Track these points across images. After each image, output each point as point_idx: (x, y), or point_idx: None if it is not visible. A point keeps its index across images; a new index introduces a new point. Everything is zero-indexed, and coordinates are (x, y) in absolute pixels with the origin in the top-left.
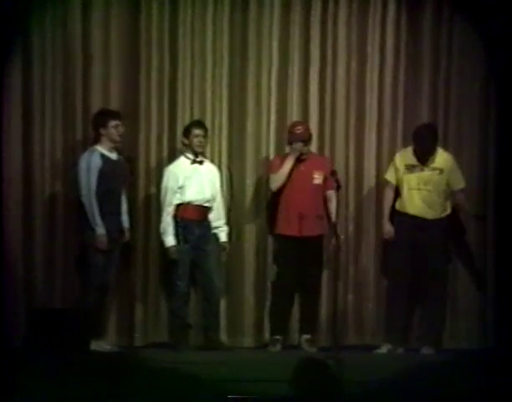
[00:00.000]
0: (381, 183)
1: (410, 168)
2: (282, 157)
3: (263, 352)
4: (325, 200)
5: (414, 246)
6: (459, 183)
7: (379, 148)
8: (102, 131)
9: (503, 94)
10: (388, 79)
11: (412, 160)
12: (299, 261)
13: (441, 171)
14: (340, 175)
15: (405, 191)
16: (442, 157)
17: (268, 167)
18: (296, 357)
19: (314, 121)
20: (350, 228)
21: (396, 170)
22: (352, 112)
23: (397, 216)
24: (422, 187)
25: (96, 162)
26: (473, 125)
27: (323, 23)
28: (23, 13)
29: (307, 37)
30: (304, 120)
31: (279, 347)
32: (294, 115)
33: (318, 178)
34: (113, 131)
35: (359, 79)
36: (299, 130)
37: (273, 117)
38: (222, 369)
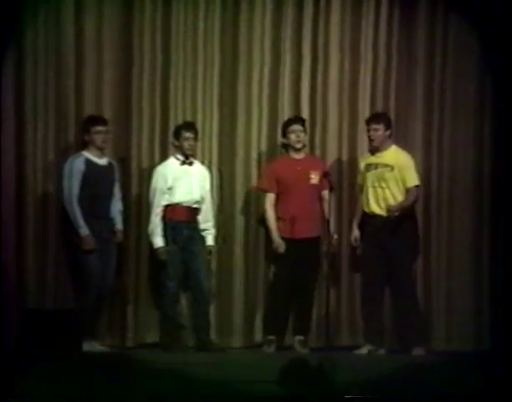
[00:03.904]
0: None
1: (368, 167)
2: (272, 166)
3: (257, 352)
4: (321, 200)
5: (378, 244)
6: (410, 181)
7: None
8: (86, 136)
9: (498, 93)
10: (381, 79)
11: (370, 159)
12: (295, 263)
13: (392, 168)
14: (333, 175)
15: (364, 191)
16: (393, 154)
17: (260, 183)
18: (289, 357)
19: (306, 121)
20: (344, 228)
21: (360, 171)
22: (345, 112)
23: (362, 217)
24: (376, 184)
25: (79, 167)
26: (468, 124)
27: (315, 22)
28: (15, 15)
29: (299, 36)
30: None
31: (273, 347)
32: (285, 115)
33: (314, 178)
34: (95, 137)
35: (351, 79)
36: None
37: (264, 117)
38: (215, 370)
